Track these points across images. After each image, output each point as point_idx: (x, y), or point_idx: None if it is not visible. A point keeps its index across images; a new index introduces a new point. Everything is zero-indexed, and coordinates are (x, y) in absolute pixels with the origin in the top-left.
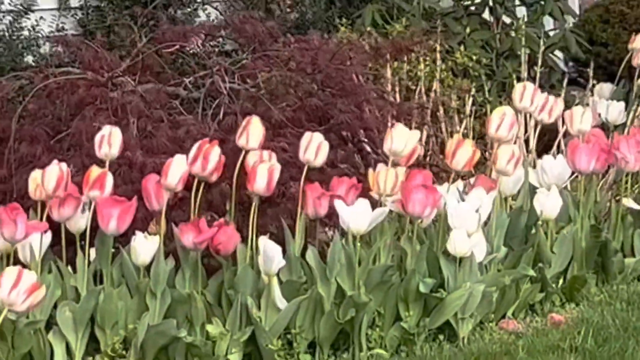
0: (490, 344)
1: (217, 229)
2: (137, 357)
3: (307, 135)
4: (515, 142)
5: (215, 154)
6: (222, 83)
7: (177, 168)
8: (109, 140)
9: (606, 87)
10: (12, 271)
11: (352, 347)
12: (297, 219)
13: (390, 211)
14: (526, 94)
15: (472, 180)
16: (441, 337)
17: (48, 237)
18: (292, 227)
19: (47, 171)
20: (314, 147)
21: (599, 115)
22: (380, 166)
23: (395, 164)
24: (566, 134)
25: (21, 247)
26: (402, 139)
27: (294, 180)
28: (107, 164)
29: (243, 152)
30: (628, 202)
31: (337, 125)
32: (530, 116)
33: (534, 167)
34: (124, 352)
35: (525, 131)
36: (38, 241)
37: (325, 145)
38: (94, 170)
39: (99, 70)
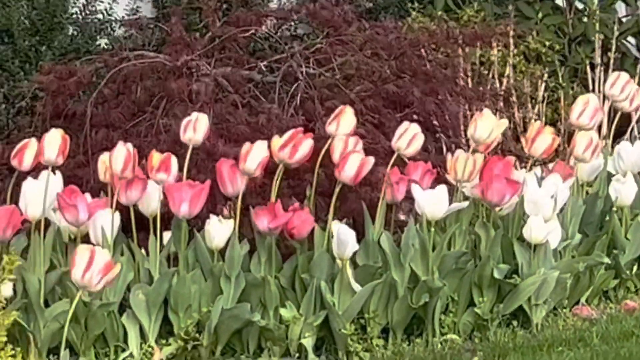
0: (563, 330)
1: (291, 213)
2: (211, 340)
3: (405, 124)
4: (598, 129)
5: (306, 144)
6: (298, 67)
7: (256, 153)
8: (195, 125)
9: None
10: (84, 251)
11: (425, 332)
12: (378, 203)
13: (467, 197)
14: (618, 82)
15: (550, 166)
16: (514, 323)
17: (117, 219)
18: (369, 209)
19: (114, 152)
20: (408, 137)
21: None
22: (459, 152)
23: (474, 150)
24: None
25: (92, 229)
26: (487, 126)
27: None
28: (190, 149)
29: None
30: None
31: (412, 111)
32: (604, 101)
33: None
34: (197, 335)
35: None
36: (109, 222)
37: (420, 137)
38: (155, 156)
39: (174, 54)
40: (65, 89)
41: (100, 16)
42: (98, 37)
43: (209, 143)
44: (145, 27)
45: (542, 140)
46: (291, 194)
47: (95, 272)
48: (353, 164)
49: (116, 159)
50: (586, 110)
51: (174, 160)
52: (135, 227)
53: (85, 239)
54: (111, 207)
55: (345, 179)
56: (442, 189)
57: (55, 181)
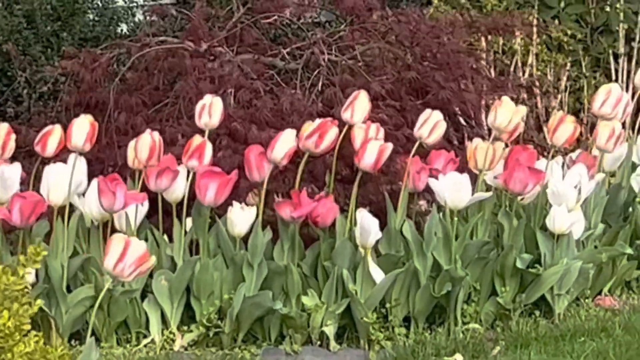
0: (586, 320)
1: (316, 202)
2: (232, 327)
3: (427, 112)
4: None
5: (332, 134)
6: (320, 55)
7: (284, 143)
8: (210, 110)
9: None
10: (119, 241)
11: (447, 321)
12: (400, 191)
13: (489, 186)
14: None
15: (573, 155)
16: (537, 312)
17: (145, 207)
18: (390, 197)
19: (140, 141)
20: (430, 125)
21: None
22: (476, 140)
23: (496, 139)
24: None
25: (117, 215)
26: (507, 114)
27: (393, 153)
28: (206, 133)
29: (347, 125)
30: None
31: (435, 99)
32: (627, 91)
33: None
34: (219, 322)
35: None
36: (134, 210)
37: (442, 125)
38: (196, 139)
39: (197, 40)
40: (89, 74)
41: (121, 2)
42: (119, 23)
43: (240, 127)
44: (168, 14)
45: (564, 129)
46: (310, 179)
47: (127, 264)
48: (372, 152)
49: (142, 148)
50: (608, 99)
51: (208, 147)
52: (162, 211)
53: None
54: (139, 189)
55: (365, 167)
56: (464, 177)
57: (79, 166)
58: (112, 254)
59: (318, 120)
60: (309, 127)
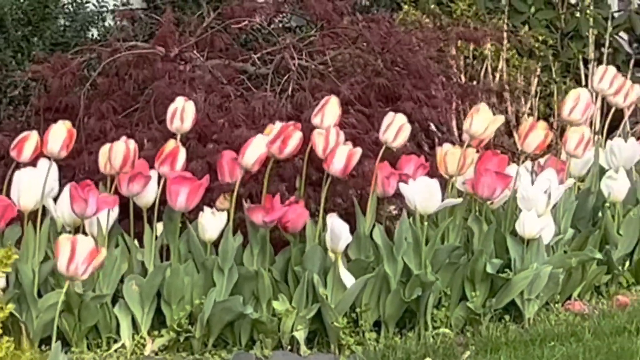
0: (556, 325)
1: (286, 208)
2: (203, 332)
3: (390, 115)
4: (589, 124)
5: (295, 138)
6: (291, 60)
7: (255, 149)
8: (182, 115)
9: None
10: (66, 242)
11: (417, 326)
12: (369, 196)
13: (459, 191)
14: (606, 76)
15: (541, 161)
16: (507, 317)
17: (115, 212)
18: (359, 202)
19: (113, 148)
20: (395, 128)
21: None
22: (447, 146)
23: (467, 145)
24: (632, 115)
25: (88, 221)
26: (483, 122)
27: (361, 157)
28: (178, 138)
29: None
30: None
31: (404, 104)
32: (597, 97)
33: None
34: (189, 327)
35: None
36: (104, 215)
37: (407, 128)
38: (169, 144)
39: (167, 45)
40: (59, 80)
41: (92, 7)
42: (89, 28)
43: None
44: (138, 19)
45: (535, 135)
46: (280, 183)
47: (79, 262)
48: (341, 157)
49: (115, 155)
50: (578, 105)
51: (181, 153)
52: (133, 215)
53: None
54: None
55: (335, 172)
56: (434, 182)
57: (51, 171)
58: (62, 256)
59: (279, 124)
60: (271, 130)
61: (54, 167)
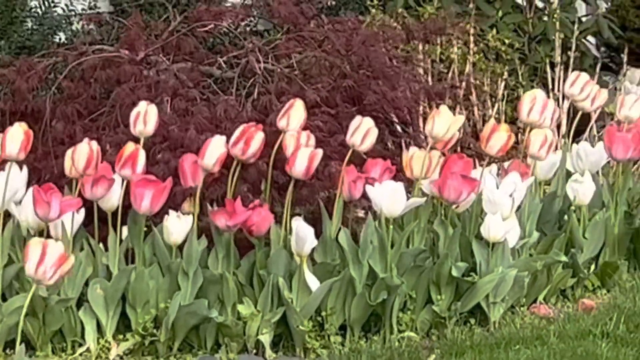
0: (521, 328)
1: (251, 211)
2: (168, 336)
3: (358, 119)
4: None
5: (257, 139)
6: (256, 63)
7: (214, 149)
8: (145, 118)
9: (637, 73)
10: (36, 245)
11: (383, 329)
12: (335, 199)
13: (425, 194)
14: (578, 81)
15: (505, 164)
16: (472, 321)
17: (81, 215)
18: (325, 205)
19: (77, 150)
20: (362, 132)
21: None
22: (413, 149)
23: (432, 147)
24: (598, 119)
25: (53, 224)
26: (444, 123)
27: (328, 159)
28: (141, 141)
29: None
30: None
31: (369, 106)
32: (564, 101)
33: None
34: (154, 331)
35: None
36: (69, 219)
37: (374, 132)
38: (128, 147)
39: (134, 49)
40: (25, 83)
41: (60, 11)
42: (57, 32)
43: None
44: (105, 23)
45: (497, 138)
46: (245, 186)
47: (48, 266)
48: (303, 159)
49: (79, 157)
50: (535, 106)
51: (141, 155)
52: (97, 219)
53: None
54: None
55: (297, 174)
56: (399, 186)
57: (17, 175)
58: (31, 258)
59: (242, 126)
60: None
61: (16, 170)
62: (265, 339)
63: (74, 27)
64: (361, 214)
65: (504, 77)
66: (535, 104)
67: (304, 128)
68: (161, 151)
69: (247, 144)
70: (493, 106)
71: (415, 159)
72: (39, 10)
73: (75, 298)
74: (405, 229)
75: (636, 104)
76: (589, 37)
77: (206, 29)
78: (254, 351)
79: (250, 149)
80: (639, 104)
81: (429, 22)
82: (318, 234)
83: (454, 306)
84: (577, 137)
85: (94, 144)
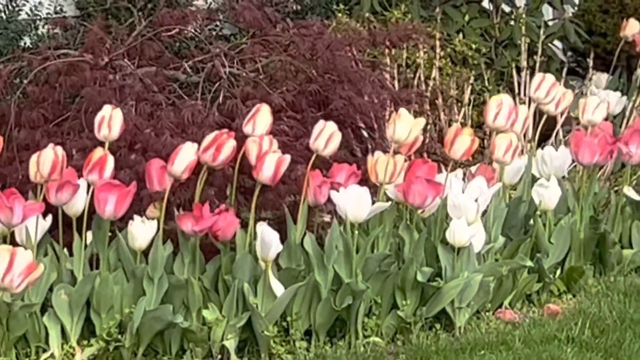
0: (486, 333)
1: (216, 216)
2: (133, 341)
3: (321, 123)
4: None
5: (228, 146)
6: (221, 67)
7: (184, 156)
8: (109, 123)
9: (603, 77)
10: (4, 253)
11: (348, 334)
12: (300, 203)
13: (390, 198)
14: (544, 84)
15: (472, 169)
16: (438, 326)
17: (48, 221)
18: (291, 209)
19: (41, 155)
20: (326, 136)
21: None
22: (378, 153)
23: (396, 152)
24: (565, 123)
25: (18, 230)
26: (405, 127)
27: (293, 163)
28: (106, 146)
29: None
30: (628, 190)
31: (336, 111)
32: (530, 105)
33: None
34: (119, 337)
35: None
36: (34, 224)
37: (337, 136)
38: (97, 153)
39: (98, 53)
40: None
41: (25, 15)
42: (22, 36)
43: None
44: (70, 27)
45: (461, 142)
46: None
47: (16, 274)
48: (270, 164)
49: (44, 163)
50: (501, 111)
51: (109, 161)
52: (63, 225)
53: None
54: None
55: (264, 180)
56: (364, 190)
57: None
58: None
59: (213, 133)
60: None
61: None
62: (231, 344)
63: (39, 32)
64: (327, 218)
65: (471, 81)
66: (501, 109)
67: (270, 132)
68: (130, 153)
69: (219, 151)
70: (459, 111)
71: (379, 163)
72: (3, 14)
73: (40, 303)
74: (371, 234)
75: (599, 108)
76: (556, 42)
77: (171, 33)
78: (219, 356)
79: (222, 155)
80: (602, 108)
81: (393, 30)
82: (283, 239)
83: (420, 311)
84: (543, 141)
85: (59, 149)
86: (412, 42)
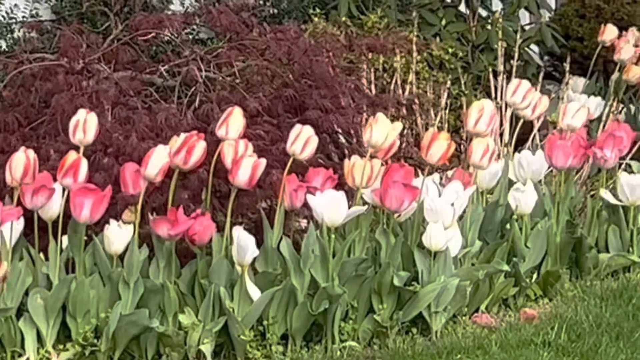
0: (463, 338)
1: (192, 220)
2: (109, 346)
3: (297, 127)
4: (491, 135)
5: (199, 148)
6: (197, 72)
7: (157, 159)
8: (84, 127)
9: (580, 82)
10: None
11: (324, 339)
12: (277, 208)
13: (366, 203)
14: (520, 89)
15: (449, 173)
16: (414, 330)
17: (20, 224)
18: (267, 213)
19: (13, 159)
20: (302, 141)
21: None
22: (355, 158)
23: (372, 156)
24: (541, 127)
25: None
26: (382, 131)
27: (269, 168)
28: (81, 150)
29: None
30: (605, 193)
31: (310, 112)
32: (506, 109)
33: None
34: (95, 341)
35: (501, 124)
36: (8, 228)
37: (314, 140)
38: (70, 156)
39: (73, 57)
40: None
41: (0, 18)
42: None
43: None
44: (46, 31)
45: (437, 146)
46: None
47: None
48: (246, 168)
49: (16, 166)
50: (482, 117)
51: (83, 164)
52: (38, 229)
53: None
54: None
55: (240, 184)
56: (340, 195)
57: None
58: None
59: (184, 135)
60: (175, 142)
61: None
62: (207, 348)
63: (15, 35)
64: (304, 223)
65: (447, 86)
66: (483, 114)
67: (246, 137)
68: (104, 157)
69: (189, 153)
70: (436, 115)
71: (356, 167)
72: None
73: (15, 308)
74: (347, 238)
75: (578, 113)
76: (532, 46)
77: (147, 37)
78: None
79: (193, 158)
80: (582, 113)
81: (370, 39)
82: (259, 244)
83: (396, 315)
84: (520, 145)
85: (31, 152)
86: (390, 47)
